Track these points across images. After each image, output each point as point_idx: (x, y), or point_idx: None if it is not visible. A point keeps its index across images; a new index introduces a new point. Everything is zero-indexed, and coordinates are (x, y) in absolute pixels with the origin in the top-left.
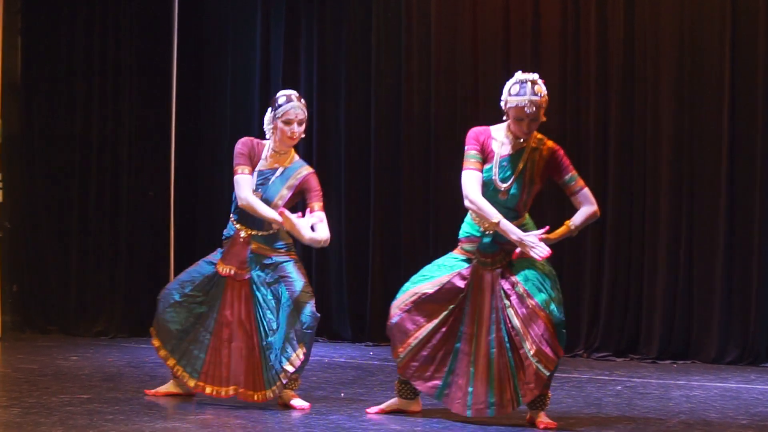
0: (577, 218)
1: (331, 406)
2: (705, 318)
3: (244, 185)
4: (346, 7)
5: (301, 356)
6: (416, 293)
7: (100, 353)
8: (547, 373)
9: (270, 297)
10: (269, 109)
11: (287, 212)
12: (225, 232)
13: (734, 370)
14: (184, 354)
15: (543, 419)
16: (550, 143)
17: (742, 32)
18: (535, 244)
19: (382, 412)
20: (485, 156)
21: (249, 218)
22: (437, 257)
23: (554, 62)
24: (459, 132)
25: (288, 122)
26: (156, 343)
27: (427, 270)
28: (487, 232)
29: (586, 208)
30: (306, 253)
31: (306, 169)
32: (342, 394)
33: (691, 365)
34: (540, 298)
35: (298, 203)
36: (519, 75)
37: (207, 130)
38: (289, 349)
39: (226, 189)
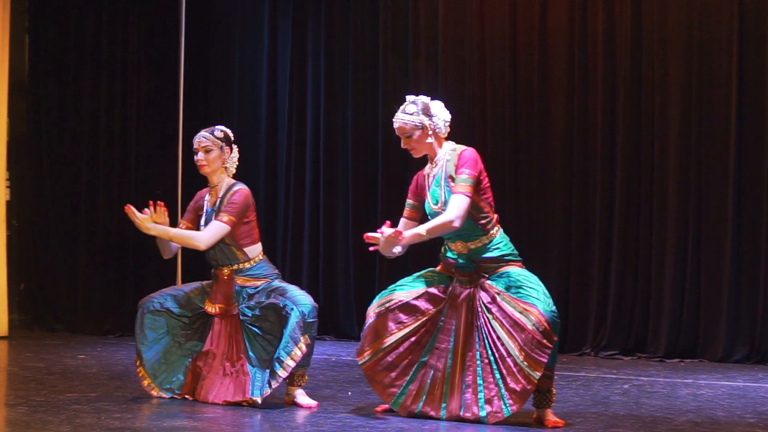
0: (430, 223)
1: (338, 404)
2: (712, 317)
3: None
4: (353, 8)
5: (304, 348)
6: (392, 300)
7: (108, 352)
8: (538, 375)
9: (258, 331)
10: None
11: (131, 208)
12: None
13: (742, 369)
14: (160, 375)
15: (551, 417)
16: (461, 148)
17: (750, 31)
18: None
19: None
20: (418, 194)
21: (223, 257)
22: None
23: (561, 62)
24: (466, 133)
25: (195, 152)
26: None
27: (406, 279)
28: (460, 254)
29: (445, 215)
30: (314, 252)
31: (235, 188)
32: (349, 393)
33: (699, 364)
34: (528, 298)
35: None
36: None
37: None
38: (291, 345)
39: None
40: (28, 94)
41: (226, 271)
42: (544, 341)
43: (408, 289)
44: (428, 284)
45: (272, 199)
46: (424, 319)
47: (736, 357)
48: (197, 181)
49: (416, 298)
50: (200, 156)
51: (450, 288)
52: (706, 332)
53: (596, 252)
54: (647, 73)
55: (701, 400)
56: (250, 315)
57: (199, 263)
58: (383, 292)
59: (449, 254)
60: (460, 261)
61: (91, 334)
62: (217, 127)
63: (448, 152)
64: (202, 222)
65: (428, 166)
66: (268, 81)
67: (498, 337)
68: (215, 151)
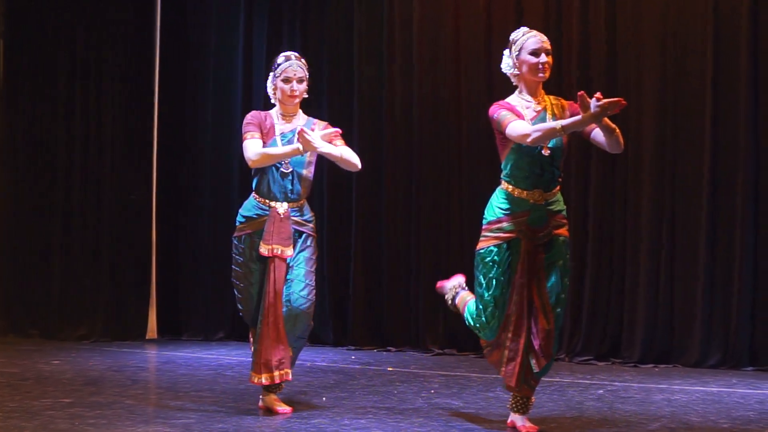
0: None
1: (313, 410)
2: (686, 322)
3: (252, 147)
4: (328, 10)
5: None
6: (497, 324)
7: (82, 357)
8: (537, 371)
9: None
10: (270, 75)
11: (304, 130)
12: (245, 213)
13: (716, 374)
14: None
15: (525, 423)
16: None
17: (724, 37)
18: None
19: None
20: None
21: (280, 191)
22: (419, 261)
23: None
24: (441, 133)
25: (287, 80)
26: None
27: (490, 297)
28: (537, 203)
29: None
30: None
31: (319, 122)
32: (324, 398)
33: (673, 369)
34: (555, 298)
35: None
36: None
37: (189, 135)
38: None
39: (209, 193)
40: (2, 99)
41: (282, 209)
42: (549, 352)
43: (501, 305)
44: (508, 281)
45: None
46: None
47: (710, 362)
48: (172, 186)
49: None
50: (296, 86)
51: (522, 256)
52: (680, 338)
53: (571, 257)
54: (622, 79)
55: (675, 405)
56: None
57: (174, 270)
58: (488, 325)
59: (518, 207)
60: (534, 213)
61: (66, 340)
62: (296, 54)
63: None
64: (280, 144)
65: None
66: (244, 84)
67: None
68: (305, 83)
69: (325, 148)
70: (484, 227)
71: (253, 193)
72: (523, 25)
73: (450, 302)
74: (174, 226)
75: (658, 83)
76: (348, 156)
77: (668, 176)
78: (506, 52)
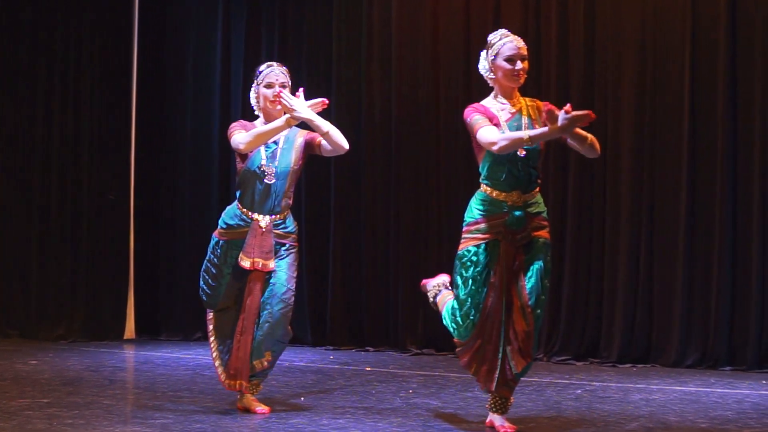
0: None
1: (291, 410)
2: (665, 322)
3: (240, 135)
4: (306, 11)
5: (265, 363)
6: (472, 324)
7: (60, 357)
8: (517, 371)
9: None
10: (253, 85)
11: (283, 93)
12: (227, 220)
13: (694, 374)
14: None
15: (503, 423)
16: None
17: (702, 37)
18: None
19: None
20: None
21: (263, 204)
22: (397, 262)
23: None
24: (420, 136)
25: (270, 86)
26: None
27: (465, 296)
28: (515, 204)
29: None
30: None
31: (302, 130)
32: (302, 398)
33: (651, 369)
34: (534, 299)
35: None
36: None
37: (168, 135)
38: (260, 351)
39: (188, 192)
40: None
41: (264, 223)
42: (529, 353)
43: (477, 308)
44: (484, 282)
45: (225, 205)
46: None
47: (688, 362)
48: (150, 185)
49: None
50: (273, 91)
51: (500, 257)
52: (658, 337)
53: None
54: (600, 80)
55: (653, 405)
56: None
57: (152, 270)
58: (463, 324)
59: (497, 208)
60: (515, 213)
61: (44, 340)
62: (278, 62)
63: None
64: (264, 153)
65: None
66: (222, 84)
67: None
68: (288, 88)
69: (312, 116)
70: (464, 229)
71: (237, 202)
72: (502, 27)
73: (431, 299)
74: (152, 225)
75: (637, 83)
76: (335, 133)
77: (647, 178)
78: (483, 53)
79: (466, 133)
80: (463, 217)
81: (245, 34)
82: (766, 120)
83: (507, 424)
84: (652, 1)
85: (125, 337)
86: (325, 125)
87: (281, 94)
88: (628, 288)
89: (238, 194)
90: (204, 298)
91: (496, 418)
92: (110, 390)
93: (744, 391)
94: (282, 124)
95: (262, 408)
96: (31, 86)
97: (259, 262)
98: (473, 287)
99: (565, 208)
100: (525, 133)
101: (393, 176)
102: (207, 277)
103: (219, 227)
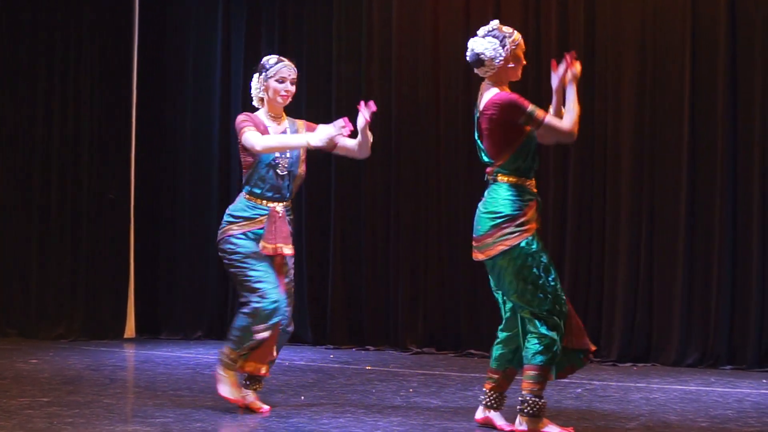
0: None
1: (291, 408)
2: (665, 321)
3: (257, 136)
4: (307, 10)
5: (275, 355)
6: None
7: (60, 356)
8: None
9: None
10: (256, 76)
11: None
12: (240, 213)
13: (694, 373)
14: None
15: (499, 421)
16: None
17: (703, 36)
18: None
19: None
20: None
21: (276, 192)
22: (397, 261)
23: None
24: (420, 136)
25: (282, 80)
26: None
27: (549, 277)
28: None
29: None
30: None
31: (298, 120)
32: (302, 397)
33: (651, 368)
34: None
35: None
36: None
37: (168, 134)
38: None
39: (188, 192)
40: None
41: (280, 209)
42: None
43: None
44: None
45: (225, 204)
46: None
47: (688, 361)
48: (151, 185)
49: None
50: (289, 87)
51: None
52: (658, 336)
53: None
54: (600, 80)
55: (654, 404)
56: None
57: (152, 269)
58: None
59: (532, 194)
60: (539, 199)
61: (44, 339)
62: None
63: None
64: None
65: None
66: (222, 84)
67: None
68: (294, 86)
69: (345, 141)
70: (504, 224)
71: (245, 195)
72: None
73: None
74: (152, 224)
75: (637, 85)
76: (361, 143)
77: (647, 177)
78: None
79: (467, 132)
80: (493, 212)
81: (245, 33)
82: (767, 120)
83: (503, 421)
84: (652, 1)
85: (125, 336)
86: (353, 142)
87: (342, 130)
88: (628, 287)
89: (247, 188)
90: (261, 306)
91: (495, 416)
92: (110, 389)
93: (744, 390)
94: (303, 143)
95: (262, 406)
96: (31, 86)
97: (281, 248)
98: (553, 270)
99: (565, 208)
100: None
101: (393, 175)
102: (247, 276)
103: (226, 224)
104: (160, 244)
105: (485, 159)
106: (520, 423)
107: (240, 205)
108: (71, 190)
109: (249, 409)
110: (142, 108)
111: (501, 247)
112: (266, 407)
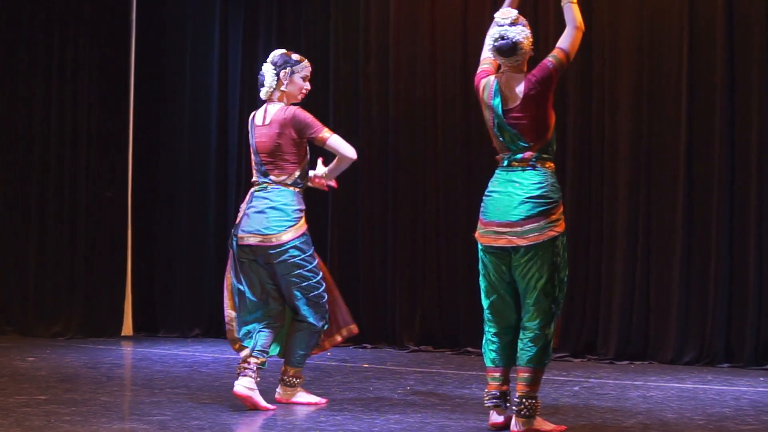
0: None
1: (288, 406)
2: (662, 319)
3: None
4: (304, 9)
5: None
6: None
7: (57, 354)
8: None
9: None
10: (271, 69)
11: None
12: (302, 206)
13: (691, 371)
14: None
15: (494, 418)
16: None
17: (700, 36)
18: None
19: None
20: None
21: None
22: (395, 258)
23: None
24: (417, 133)
25: (306, 78)
26: None
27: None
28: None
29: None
30: None
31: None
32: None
33: (649, 366)
34: None
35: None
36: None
37: (165, 133)
38: None
39: (185, 190)
40: None
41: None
42: None
43: None
44: None
45: (223, 202)
46: None
47: (685, 359)
48: (148, 183)
49: None
50: (308, 86)
51: None
52: (656, 334)
53: None
54: (597, 79)
55: (651, 402)
56: None
57: (150, 267)
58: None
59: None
60: None
61: (41, 337)
62: None
63: None
64: None
65: None
66: (220, 81)
67: None
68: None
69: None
70: (552, 210)
71: (296, 189)
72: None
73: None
74: (150, 222)
75: (634, 85)
76: (340, 158)
77: (644, 175)
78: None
79: (464, 130)
80: (541, 198)
81: (243, 31)
82: (764, 120)
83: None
84: (650, 1)
85: (123, 334)
86: (335, 164)
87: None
88: (626, 285)
89: (300, 184)
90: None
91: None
92: (108, 387)
93: (741, 388)
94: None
95: (268, 405)
96: (29, 85)
97: None
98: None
99: (564, 207)
100: None
101: (390, 173)
102: (317, 277)
103: (297, 220)
104: (158, 243)
105: (522, 144)
106: (515, 424)
107: (295, 198)
108: (69, 189)
109: (255, 408)
110: (140, 107)
111: (551, 233)
112: (272, 406)
